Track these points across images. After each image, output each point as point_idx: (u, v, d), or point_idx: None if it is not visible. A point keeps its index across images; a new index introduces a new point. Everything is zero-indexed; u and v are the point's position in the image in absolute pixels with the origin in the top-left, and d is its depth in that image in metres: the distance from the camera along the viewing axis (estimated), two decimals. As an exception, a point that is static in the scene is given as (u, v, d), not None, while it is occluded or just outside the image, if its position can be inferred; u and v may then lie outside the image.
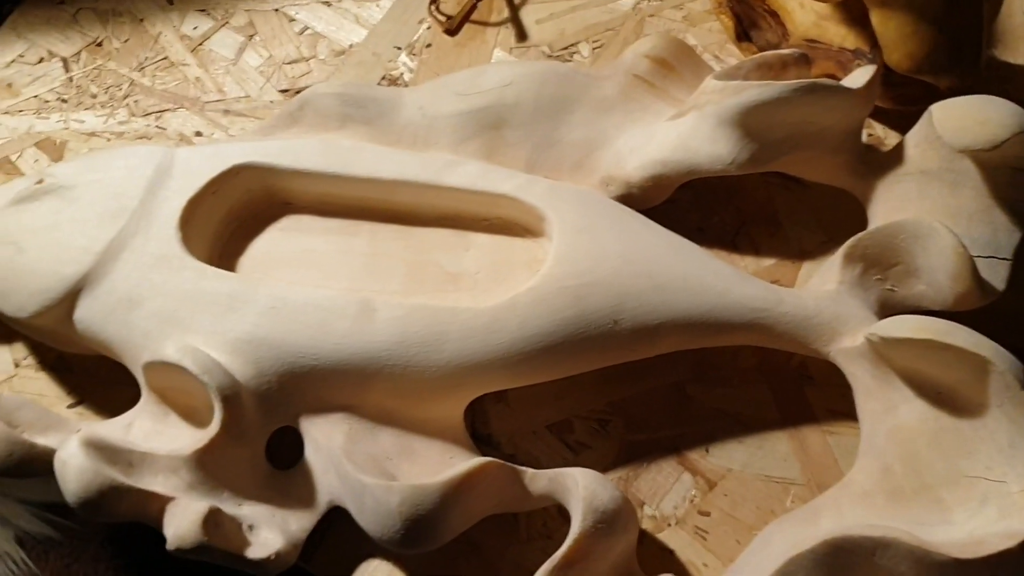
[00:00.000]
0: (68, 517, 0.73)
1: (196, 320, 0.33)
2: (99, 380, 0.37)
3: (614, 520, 0.28)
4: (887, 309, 0.31)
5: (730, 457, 0.33)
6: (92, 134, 0.44)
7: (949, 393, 0.28)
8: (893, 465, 0.29)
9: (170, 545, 0.29)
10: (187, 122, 0.44)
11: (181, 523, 0.29)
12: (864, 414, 0.30)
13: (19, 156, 0.44)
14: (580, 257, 0.32)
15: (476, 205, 0.35)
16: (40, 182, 0.36)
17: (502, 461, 0.30)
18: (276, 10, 0.47)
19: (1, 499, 0.74)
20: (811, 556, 0.27)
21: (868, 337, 0.29)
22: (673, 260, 0.32)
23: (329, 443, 0.32)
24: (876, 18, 0.34)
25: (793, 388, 0.34)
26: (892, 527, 0.27)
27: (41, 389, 0.38)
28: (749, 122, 0.33)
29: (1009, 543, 0.25)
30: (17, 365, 0.38)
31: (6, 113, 0.45)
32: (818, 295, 0.32)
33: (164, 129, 0.44)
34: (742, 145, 0.33)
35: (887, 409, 0.30)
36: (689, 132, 0.34)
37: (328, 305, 0.32)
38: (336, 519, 0.32)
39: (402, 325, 0.31)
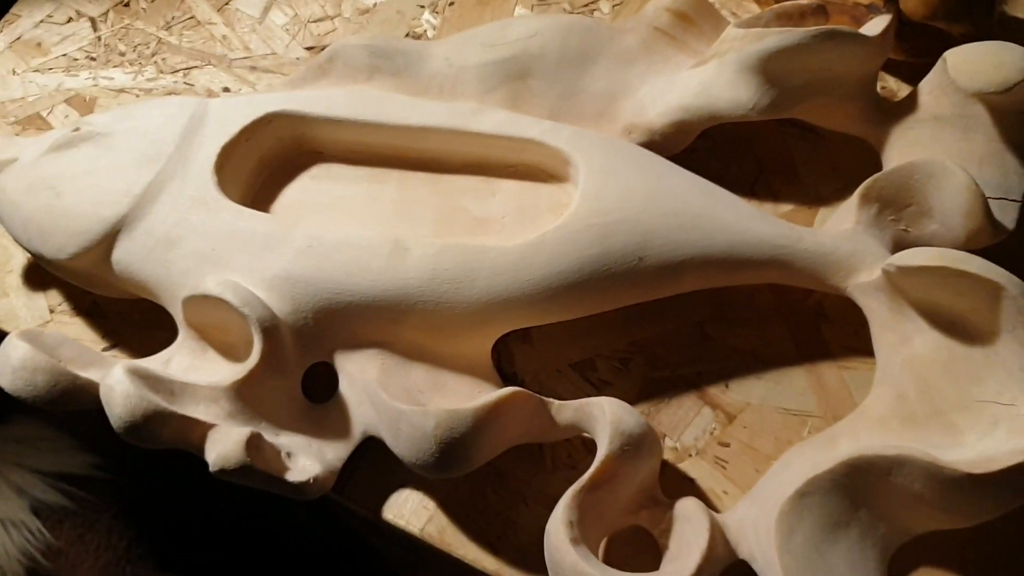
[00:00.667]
0: (82, 488, 0.75)
1: (233, 259, 0.34)
2: (132, 324, 0.39)
3: (640, 444, 0.30)
4: (901, 247, 0.33)
5: (749, 392, 0.34)
6: (121, 90, 0.45)
7: (962, 322, 0.30)
8: (907, 392, 0.30)
9: (213, 467, 0.30)
10: (215, 78, 0.45)
11: (224, 445, 0.30)
12: (880, 345, 0.32)
13: (50, 112, 0.45)
14: (606, 196, 0.33)
15: (503, 151, 0.37)
16: (76, 130, 0.37)
17: (530, 392, 0.31)
18: (300, -30, 0.48)
19: (17, 469, 0.76)
20: (829, 477, 0.28)
21: (885, 268, 0.30)
22: (697, 199, 0.33)
23: (364, 376, 0.33)
24: (893, -33, 0.35)
25: (809, 326, 0.35)
26: (907, 446, 0.28)
27: (76, 333, 0.39)
28: (769, 68, 0.34)
29: (1019, 458, 0.27)
30: (52, 311, 0.39)
31: (36, 71, 0.46)
32: (835, 234, 0.33)
33: (192, 85, 0.45)
34: (762, 91, 0.34)
35: (902, 340, 0.31)
36: (711, 79, 0.35)
37: (363, 244, 0.33)
38: (367, 453, 0.34)
39: (434, 263, 0.33)
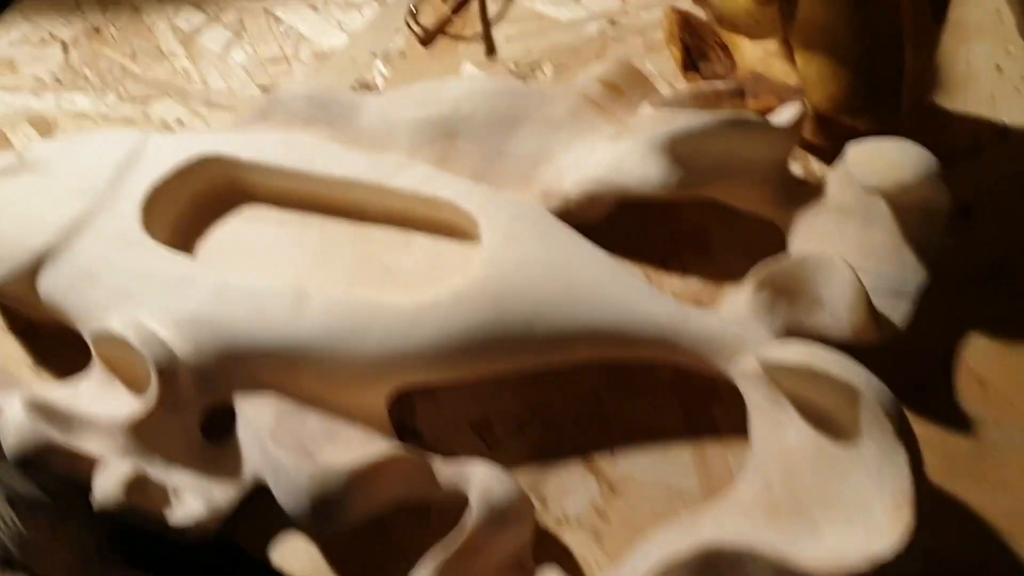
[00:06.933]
0: (56, 483, 0.76)
1: (146, 297, 0.35)
2: (63, 346, 0.39)
3: (506, 516, 0.30)
4: (792, 336, 0.33)
5: (634, 464, 0.35)
6: (82, 115, 0.47)
7: (829, 418, 0.30)
8: (774, 482, 0.31)
9: (94, 503, 0.31)
10: (171, 110, 0.46)
11: (107, 483, 0.31)
12: (754, 432, 0.32)
13: (13, 132, 0.46)
14: (504, 263, 0.34)
15: (419, 207, 0.37)
16: (19, 159, 0.39)
17: (412, 452, 0.32)
18: (265, 10, 0.49)
19: (-6, 460, 0.77)
20: (684, 563, 0.29)
21: (758, 359, 0.31)
22: (591, 274, 0.34)
23: (258, 421, 0.34)
24: (800, 59, 0.35)
25: (702, 404, 0.36)
26: (758, 540, 0.28)
27: (8, 350, 0.40)
28: (678, 149, 0.35)
29: (865, 565, 0.27)
30: (-12, 327, 0.41)
31: (4, 89, 0.48)
32: (725, 317, 0.33)
33: (149, 115, 0.46)
34: (671, 170, 0.35)
35: (775, 429, 0.31)
36: (623, 154, 0.36)
37: (265, 292, 0.34)
38: (265, 493, 0.34)
39: (331, 315, 0.33)
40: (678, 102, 0.36)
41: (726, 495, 0.31)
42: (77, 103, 0.47)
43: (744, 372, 0.32)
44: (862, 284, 0.31)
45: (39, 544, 0.80)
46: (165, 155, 0.38)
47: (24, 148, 0.40)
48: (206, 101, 0.46)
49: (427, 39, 0.46)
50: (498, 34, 0.46)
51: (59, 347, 0.40)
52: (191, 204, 0.39)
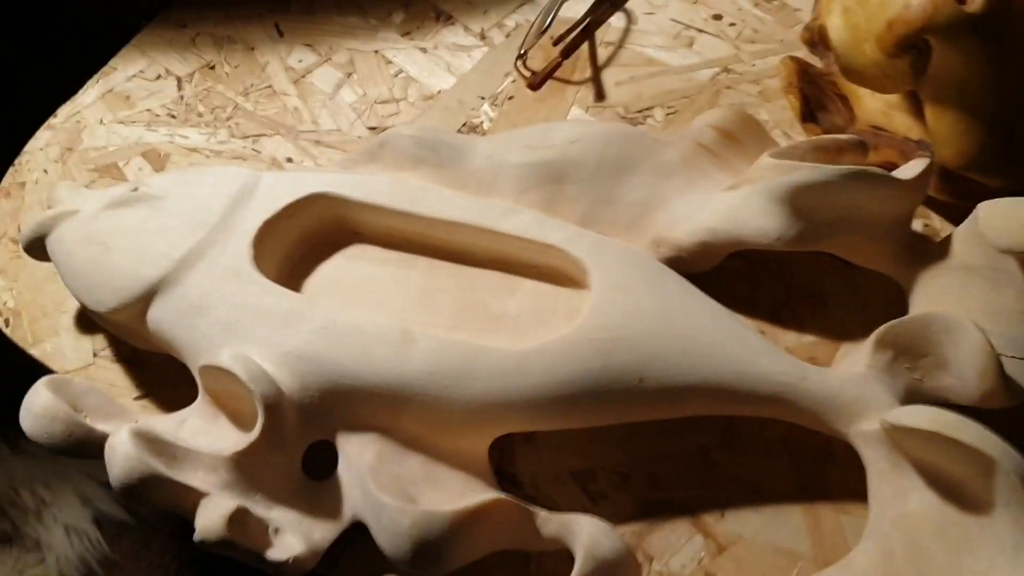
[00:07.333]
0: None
1: (255, 332, 0.35)
2: (167, 377, 0.40)
3: (612, 571, 0.29)
4: (915, 398, 0.32)
5: (744, 524, 0.33)
6: (193, 150, 0.47)
7: (958, 487, 0.29)
8: (895, 551, 0.29)
9: (196, 537, 0.31)
10: (280, 148, 0.47)
11: (209, 518, 0.31)
12: (874, 497, 0.31)
13: (126, 164, 0.47)
14: (614, 312, 0.33)
15: (526, 252, 0.37)
16: (135, 190, 0.40)
17: (516, 500, 0.31)
18: (376, 52, 0.50)
19: (86, 480, 0.79)
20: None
21: (881, 423, 0.30)
22: (705, 326, 0.33)
23: (360, 461, 0.33)
24: (930, 114, 0.34)
25: (815, 464, 0.34)
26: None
27: (113, 379, 0.41)
28: (797, 201, 0.34)
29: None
30: (95, 355, 0.41)
31: (120, 123, 0.49)
32: (844, 376, 0.32)
33: (259, 152, 0.47)
34: (789, 223, 0.34)
35: (897, 495, 0.30)
36: (740, 204, 0.35)
37: (372, 331, 0.34)
38: (363, 533, 0.34)
39: (437, 357, 0.33)
40: (798, 153, 0.35)
41: (843, 561, 0.30)
42: (189, 138, 0.48)
43: (864, 434, 0.31)
44: (993, 348, 0.30)
45: (122, 565, 0.81)
46: (277, 192, 0.39)
47: (139, 180, 0.40)
48: (316, 140, 0.47)
49: (535, 83, 0.46)
50: (608, 78, 0.46)
51: (162, 379, 0.40)
52: (300, 241, 0.39)
